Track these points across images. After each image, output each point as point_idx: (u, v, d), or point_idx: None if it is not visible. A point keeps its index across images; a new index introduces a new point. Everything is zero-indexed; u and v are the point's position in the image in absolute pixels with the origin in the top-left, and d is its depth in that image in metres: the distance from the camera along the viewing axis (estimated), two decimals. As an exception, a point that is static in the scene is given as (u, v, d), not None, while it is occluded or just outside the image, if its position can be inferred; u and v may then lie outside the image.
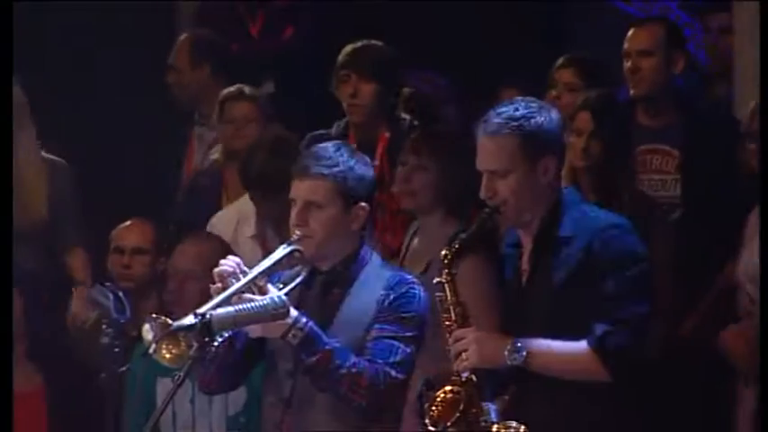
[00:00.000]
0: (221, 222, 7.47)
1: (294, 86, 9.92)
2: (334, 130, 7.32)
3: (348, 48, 7.42)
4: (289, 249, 4.59)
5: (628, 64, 6.94)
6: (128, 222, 7.29)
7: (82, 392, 7.09)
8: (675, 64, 6.98)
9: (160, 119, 9.53)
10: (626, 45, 7.04)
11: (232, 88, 8.03)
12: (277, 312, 4.42)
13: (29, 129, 7.94)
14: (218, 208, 7.98)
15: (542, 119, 4.59)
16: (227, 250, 6.35)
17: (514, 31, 10.14)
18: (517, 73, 8.92)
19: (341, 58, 7.37)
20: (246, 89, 8.12)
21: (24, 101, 7.83)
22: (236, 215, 7.52)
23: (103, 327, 6.47)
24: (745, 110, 7.00)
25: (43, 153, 8.10)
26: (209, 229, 7.41)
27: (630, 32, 7.14)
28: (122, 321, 6.45)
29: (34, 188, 7.95)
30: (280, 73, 10.07)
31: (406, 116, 7.38)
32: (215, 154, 8.31)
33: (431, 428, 4.48)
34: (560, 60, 7.57)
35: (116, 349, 6.42)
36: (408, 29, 10.08)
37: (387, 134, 7.29)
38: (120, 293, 6.55)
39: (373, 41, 7.64)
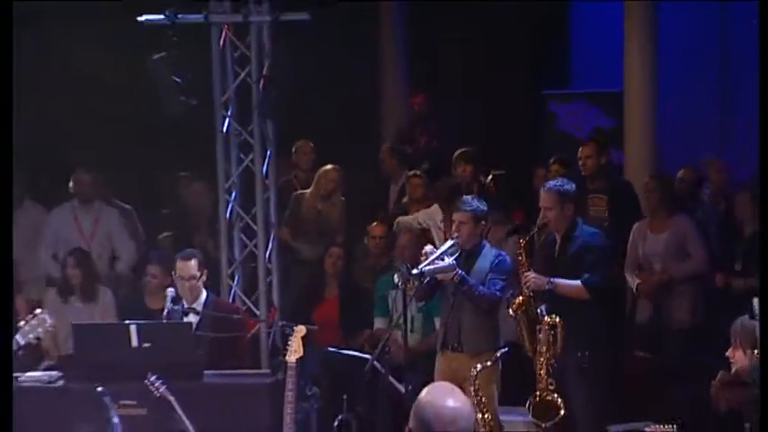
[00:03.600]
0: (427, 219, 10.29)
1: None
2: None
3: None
4: (453, 241, 7.89)
5: (580, 162, 10.29)
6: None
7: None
8: (603, 158, 10.42)
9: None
10: (579, 153, 10.35)
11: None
12: (450, 268, 7.75)
13: None
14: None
15: (567, 186, 8.04)
16: (427, 237, 9.68)
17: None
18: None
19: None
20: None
21: None
22: (430, 217, 10.37)
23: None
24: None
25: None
26: (413, 222, 10.40)
27: (580, 149, 10.40)
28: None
29: None
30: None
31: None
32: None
33: (512, 313, 7.85)
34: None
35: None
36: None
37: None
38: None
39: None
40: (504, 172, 11.19)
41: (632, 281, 9.64)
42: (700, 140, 12.62)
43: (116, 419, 7.15)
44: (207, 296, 8.52)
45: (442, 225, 9.96)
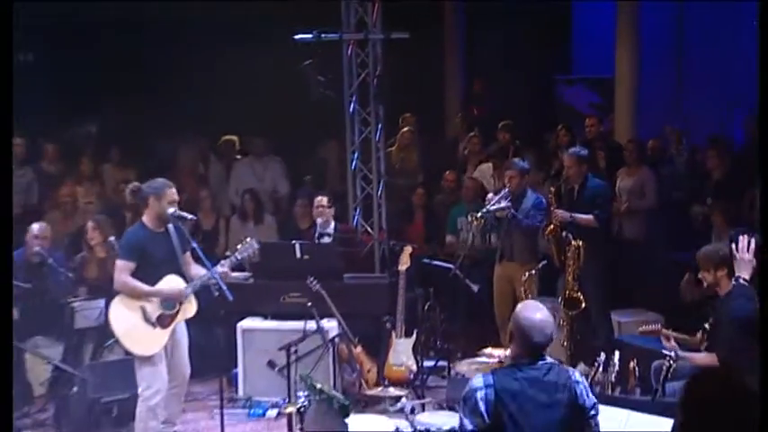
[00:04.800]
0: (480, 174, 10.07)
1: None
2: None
3: None
4: (506, 190, 7.87)
5: (587, 129, 10.29)
6: None
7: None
8: (602, 126, 10.53)
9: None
10: (586, 122, 10.42)
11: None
12: (505, 208, 7.79)
13: None
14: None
15: (583, 152, 8.08)
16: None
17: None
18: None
19: None
20: None
21: None
22: (482, 173, 10.14)
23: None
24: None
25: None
26: (476, 175, 10.03)
27: (587, 119, 10.49)
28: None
29: None
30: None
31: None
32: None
33: (546, 237, 7.82)
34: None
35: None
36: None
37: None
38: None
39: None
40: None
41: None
42: (663, 112, 12.26)
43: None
44: (335, 224, 8.58)
45: (491, 179, 9.90)
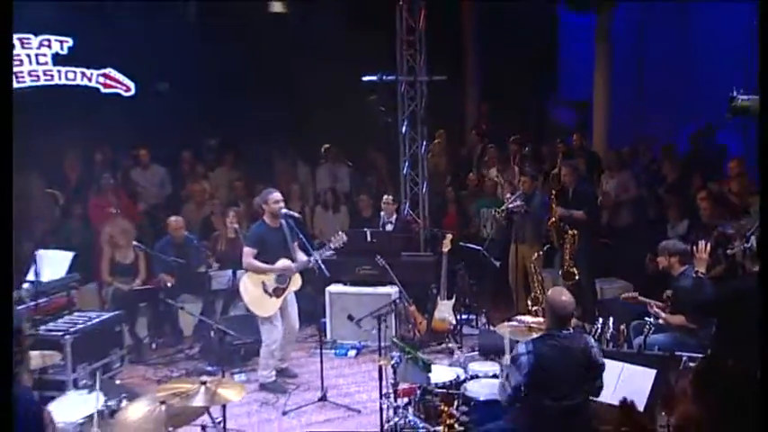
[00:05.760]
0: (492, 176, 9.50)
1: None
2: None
3: None
4: (520, 191, 7.81)
5: (573, 141, 9.85)
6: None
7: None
8: (584, 140, 10.05)
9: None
10: (573, 137, 9.94)
11: None
12: (520, 206, 7.68)
13: None
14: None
15: (575, 163, 8.00)
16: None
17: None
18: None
19: None
20: None
21: None
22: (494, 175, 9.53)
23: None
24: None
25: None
26: (493, 176, 9.46)
27: (574, 135, 9.98)
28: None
29: None
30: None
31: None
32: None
33: (549, 226, 7.63)
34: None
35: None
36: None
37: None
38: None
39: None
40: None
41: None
42: (628, 127, 11.73)
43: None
44: (396, 216, 8.56)
45: (501, 179, 9.52)
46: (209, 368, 6.87)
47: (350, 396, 6.46)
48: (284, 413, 6.18)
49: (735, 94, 4.75)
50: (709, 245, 5.16)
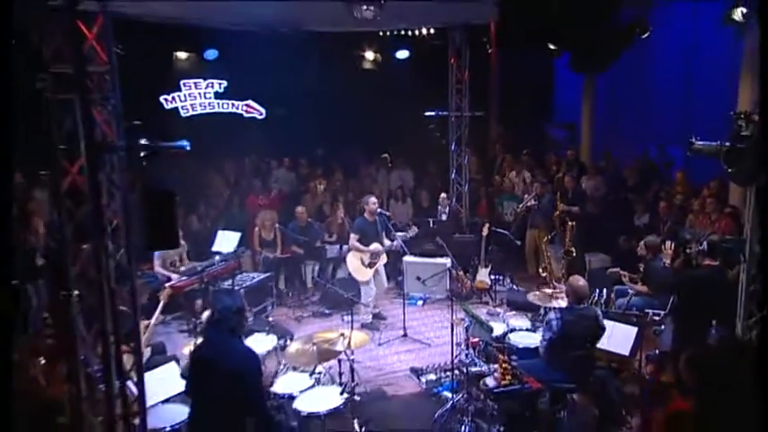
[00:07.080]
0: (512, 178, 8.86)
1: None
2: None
3: None
4: (534, 193, 7.53)
5: (568, 155, 8.97)
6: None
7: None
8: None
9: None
10: (568, 153, 9.00)
11: None
12: (534, 204, 7.41)
13: None
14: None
15: (574, 176, 7.56)
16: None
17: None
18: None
19: None
20: None
21: None
22: (513, 177, 8.80)
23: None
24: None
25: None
26: (511, 178, 8.76)
27: (569, 151, 9.05)
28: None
29: None
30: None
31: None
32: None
33: (554, 218, 7.29)
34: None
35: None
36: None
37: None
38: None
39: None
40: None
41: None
42: (607, 142, 10.94)
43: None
44: (449, 208, 8.22)
45: (517, 180, 8.92)
46: (327, 311, 6.83)
47: (420, 333, 6.35)
48: (379, 344, 6.12)
49: (693, 140, 4.41)
50: (673, 244, 5.19)
